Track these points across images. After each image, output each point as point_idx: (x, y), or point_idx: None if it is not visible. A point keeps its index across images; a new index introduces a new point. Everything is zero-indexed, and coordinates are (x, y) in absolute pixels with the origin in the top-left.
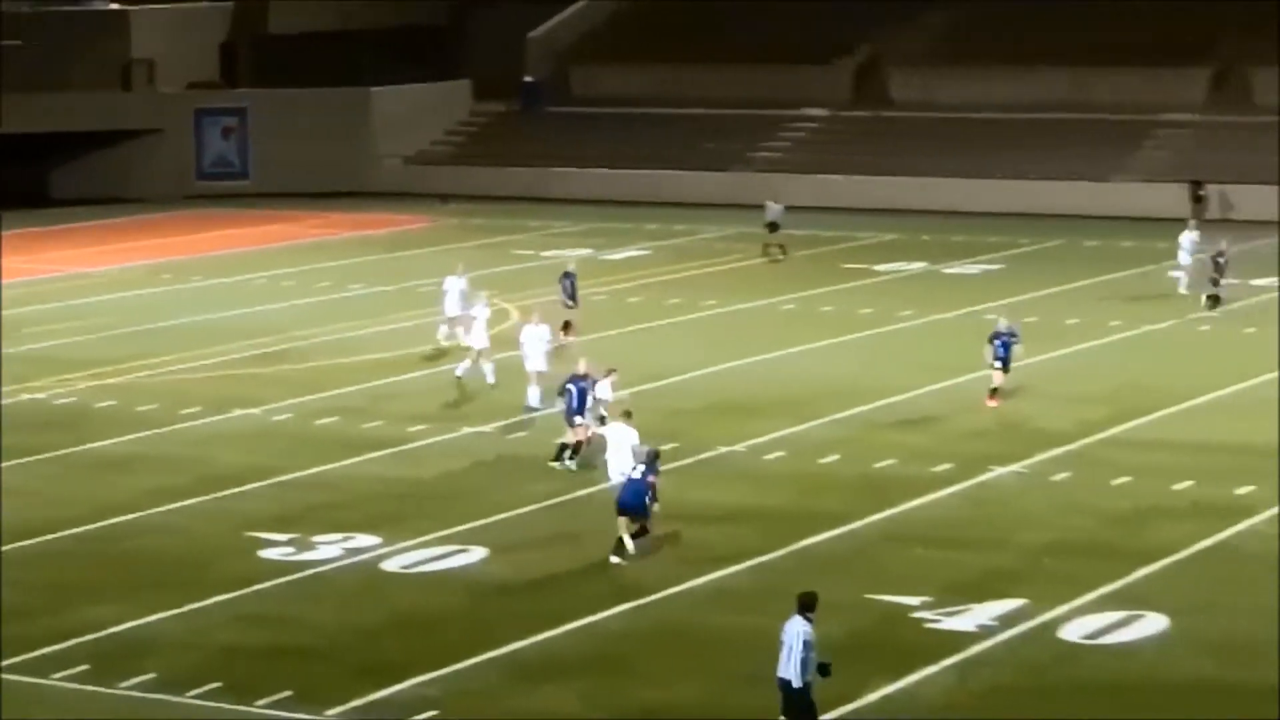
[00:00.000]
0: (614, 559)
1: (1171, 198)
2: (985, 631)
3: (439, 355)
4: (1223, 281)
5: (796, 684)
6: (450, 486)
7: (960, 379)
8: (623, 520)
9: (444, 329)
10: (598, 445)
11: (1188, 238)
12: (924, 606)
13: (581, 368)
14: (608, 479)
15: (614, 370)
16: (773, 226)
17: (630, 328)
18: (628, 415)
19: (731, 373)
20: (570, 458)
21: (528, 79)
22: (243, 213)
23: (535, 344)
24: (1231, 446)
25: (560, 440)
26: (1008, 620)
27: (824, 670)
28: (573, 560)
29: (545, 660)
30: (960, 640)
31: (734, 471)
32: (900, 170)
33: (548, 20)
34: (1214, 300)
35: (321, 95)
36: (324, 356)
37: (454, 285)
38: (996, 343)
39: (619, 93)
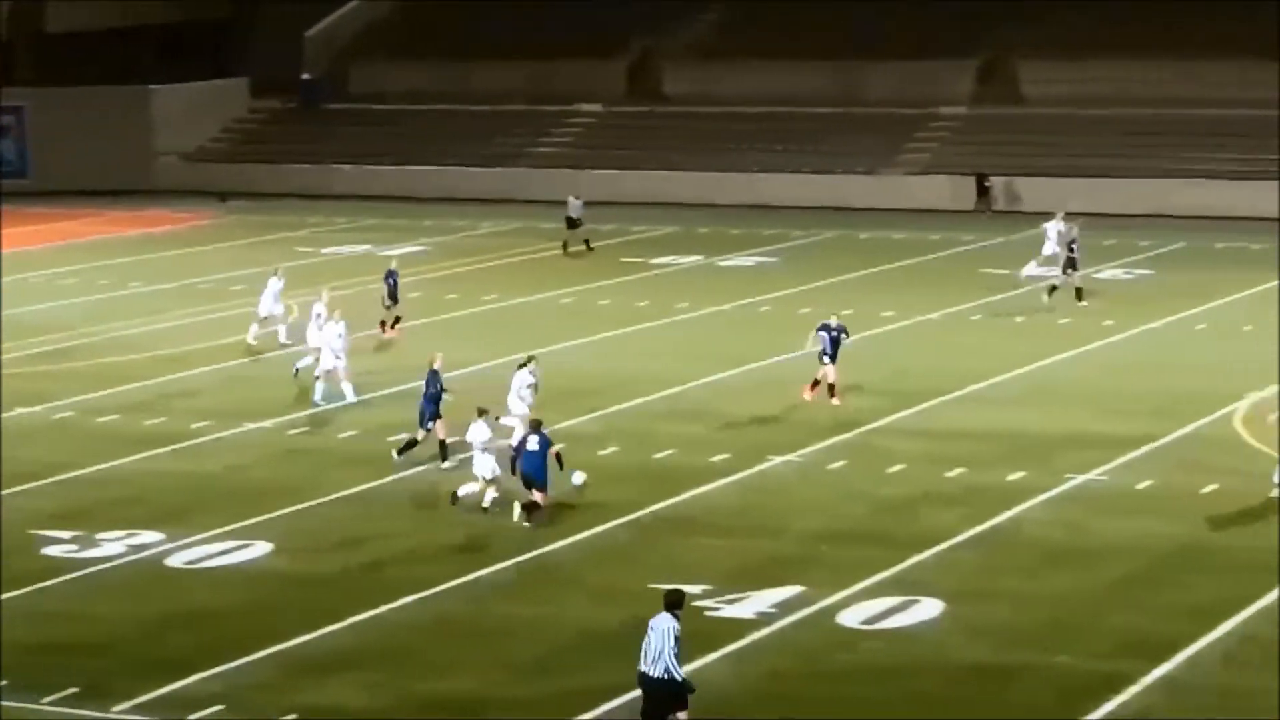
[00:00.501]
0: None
1: (941, 189)
2: (764, 618)
3: (255, 353)
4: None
5: (664, 677)
6: (234, 482)
7: (736, 370)
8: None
9: (255, 328)
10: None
11: (1053, 227)
12: (704, 595)
13: (437, 362)
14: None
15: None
16: (572, 222)
17: (409, 324)
18: (483, 412)
19: (510, 367)
20: (403, 449)
21: (306, 76)
22: (22, 211)
23: (332, 341)
24: (1002, 434)
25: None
26: (786, 607)
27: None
28: (357, 555)
29: (329, 653)
30: (740, 627)
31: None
32: (675, 164)
33: (326, 18)
34: (1053, 289)
35: (100, 93)
36: (106, 354)
37: (273, 285)
38: (824, 335)
39: (397, 89)
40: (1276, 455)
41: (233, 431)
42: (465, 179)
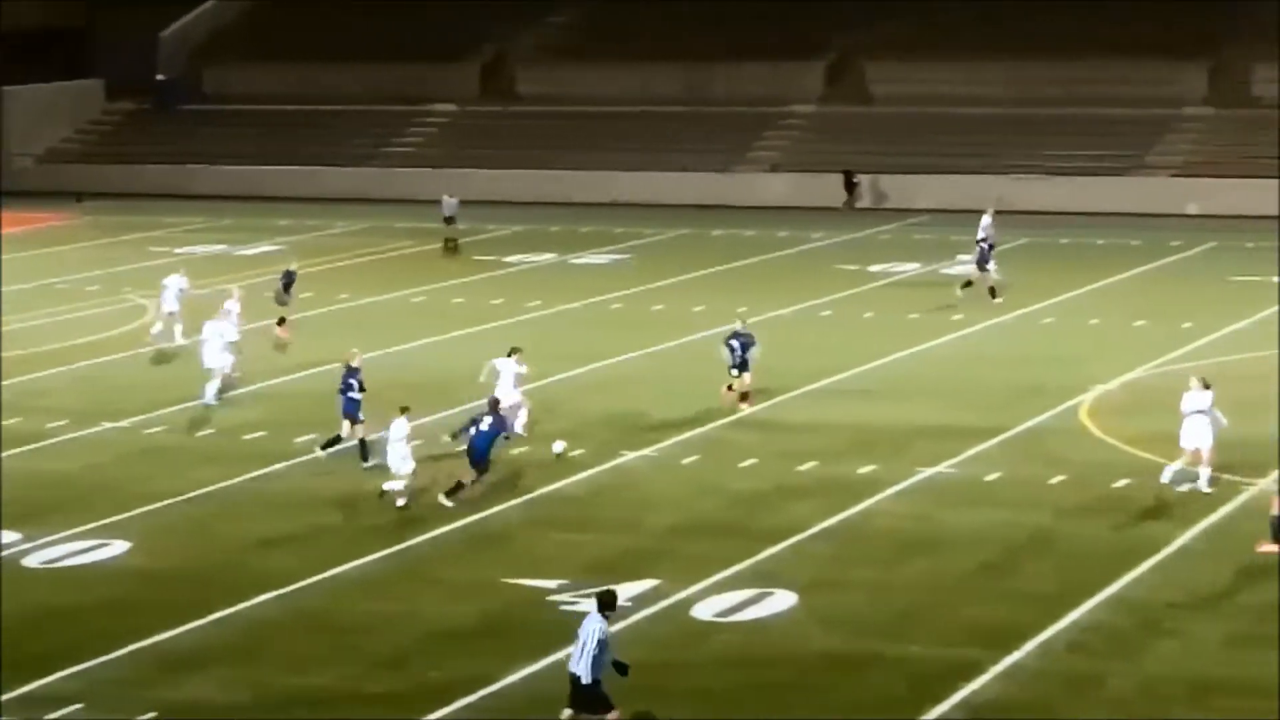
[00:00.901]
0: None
1: (790, 186)
2: (620, 612)
3: (164, 352)
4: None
5: (586, 680)
6: (91, 481)
7: (588, 367)
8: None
9: (159, 325)
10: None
11: (985, 222)
12: (560, 589)
13: (355, 360)
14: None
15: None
16: (449, 220)
17: (264, 322)
18: (405, 410)
19: (372, 363)
20: (327, 446)
21: (161, 77)
22: None
23: (215, 339)
24: (853, 427)
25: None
26: (642, 600)
27: (620, 669)
28: (214, 552)
29: (188, 650)
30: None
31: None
32: (528, 164)
33: (180, 19)
34: (969, 284)
35: None
36: None
37: (174, 283)
38: (734, 344)
39: (252, 90)
40: (1121, 446)
41: (90, 431)
42: (319, 179)
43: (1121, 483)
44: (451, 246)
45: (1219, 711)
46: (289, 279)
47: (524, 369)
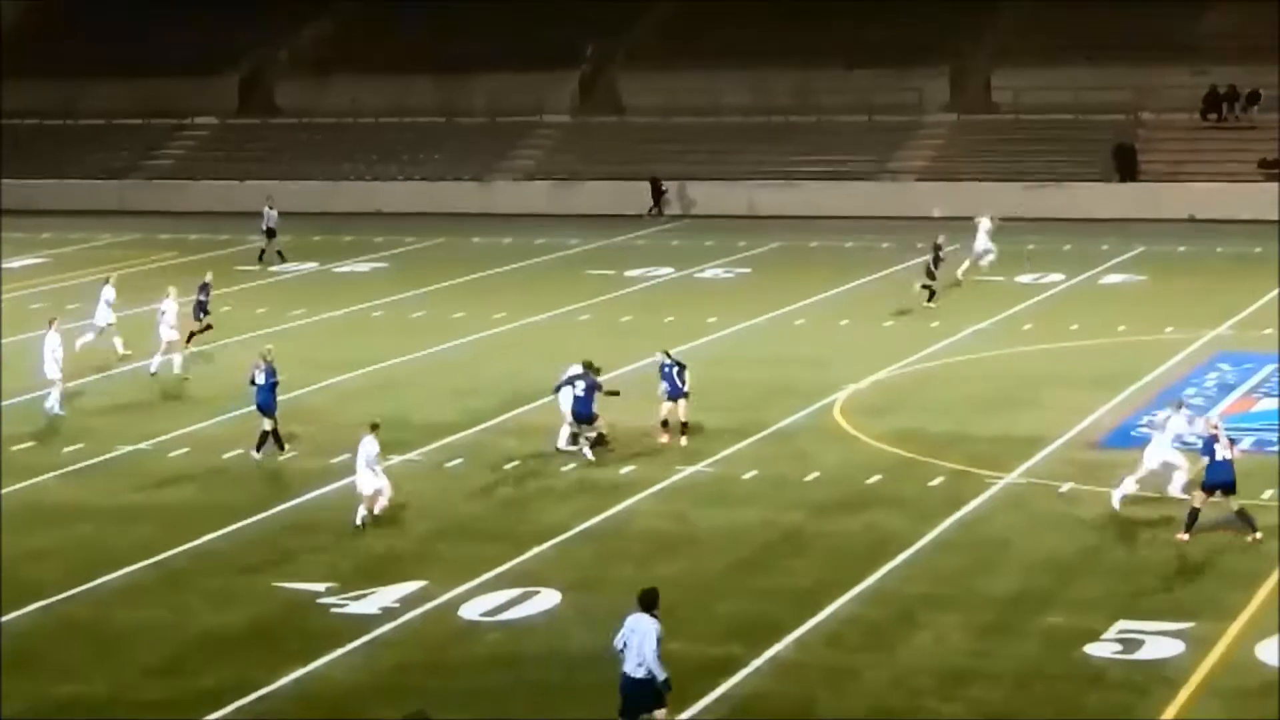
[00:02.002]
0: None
1: (543, 195)
2: (388, 613)
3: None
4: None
5: (646, 677)
6: None
7: (352, 374)
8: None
9: (90, 336)
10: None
11: (982, 226)
12: (329, 592)
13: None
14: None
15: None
16: (270, 233)
17: (34, 333)
18: (374, 427)
19: (132, 373)
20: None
21: None
22: None
23: (53, 350)
24: (611, 428)
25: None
26: (410, 602)
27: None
28: None
29: None
30: (366, 623)
31: (135, 470)
32: (289, 174)
33: None
34: (930, 291)
35: None
36: None
37: (105, 294)
38: (665, 371)
39: (14, 105)
40: (873, 443)
41: None
42: (83, 192)
43: (874, 479)
44: (272, 257)
45: (969, 702)
46: (205, 293)
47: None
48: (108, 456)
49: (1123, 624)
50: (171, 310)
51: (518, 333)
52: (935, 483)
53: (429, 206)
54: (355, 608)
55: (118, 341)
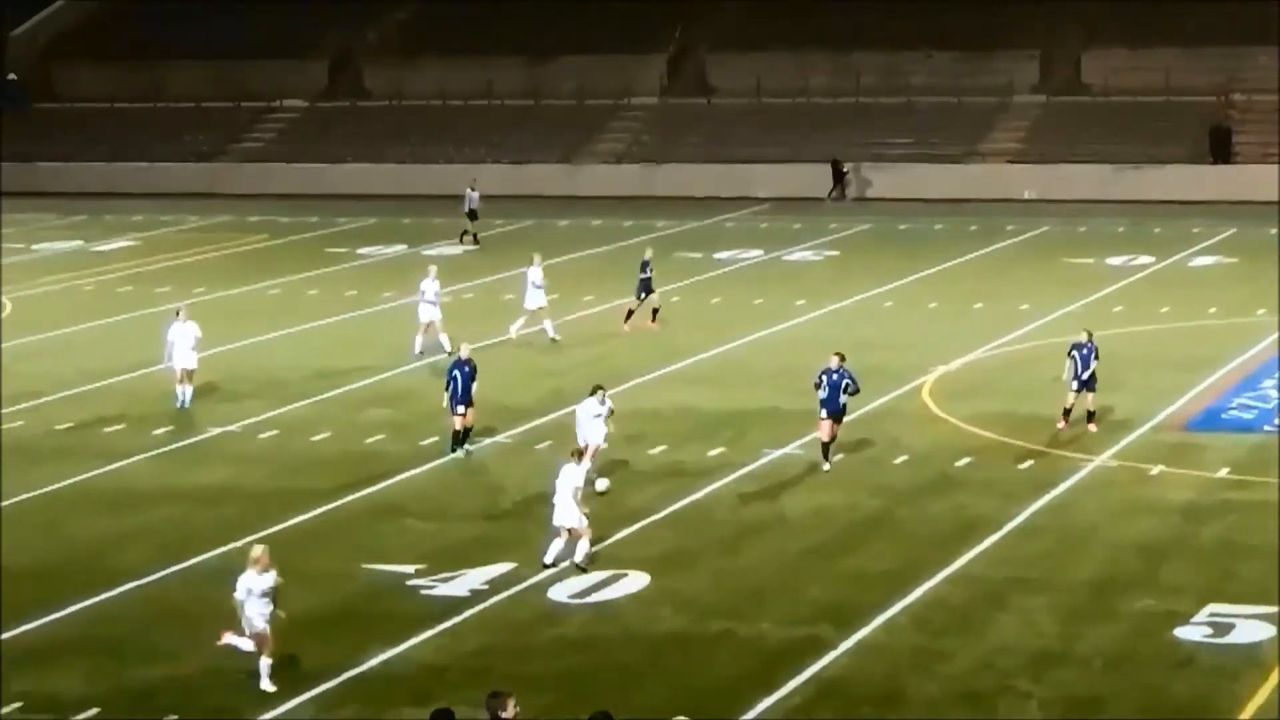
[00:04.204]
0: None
1: (630, 178)
2: (477, 595)
3: None
4: None
5: None
6: None
7: (437, 357)
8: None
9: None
10: None
11: None
12: (418, 574)
13: (464, 353)
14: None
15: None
16: (472, 215)
17: (120, 316)
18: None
19: (223, 356)
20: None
21: (10, 77)
22: None
23: (185, 340)
24: (700, 412)
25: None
26: (498, 584)
27: None
28: (67, 549)
29: (50, 643)
30: (454, 605)
31: (226, 452)
32: (377, 158)
33: (27, 20)
34: None
35: None
36: None
37: (428, 286)
38: (822, 379)
39: (102, 89)
40: (962, 425)
41: None
42: (171, 174)
43: (962, 462)
44: (470, 238)
45: (1056, 685)
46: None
47: (606, 409)
48: (195, 439)
49: (1213, 608)
50: (431, 289)
51: (605, 316)
52: (1023, 466)
53: (516, 189)
54: (444, 589)
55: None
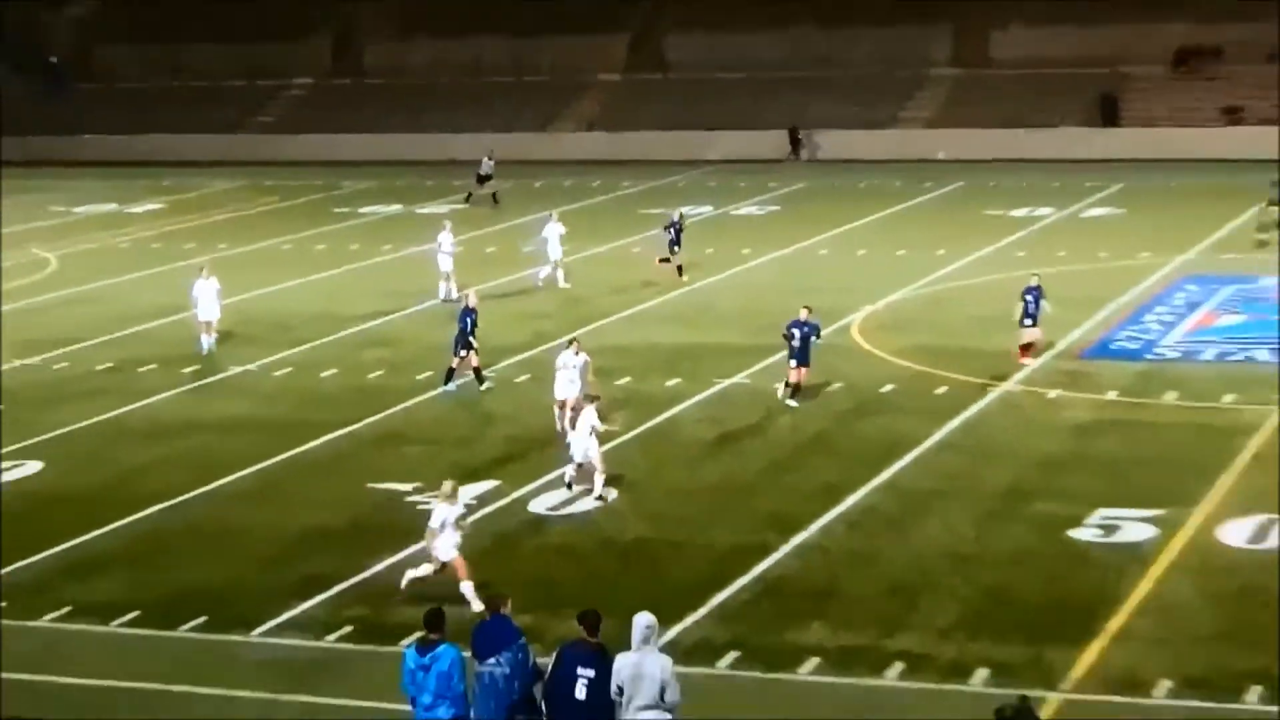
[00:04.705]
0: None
1: (599, 144)
2: (468, 509)
3: None
4: None
5: None
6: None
7: (431, 302)
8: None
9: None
10: None
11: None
12: (415, 491)
13: (472, 300)
14: None
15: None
16: (482, 179)
17: (151, 270)
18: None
19: (241, 304)
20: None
21: (52, 59)
22: None
23: (209, 294)
24: (660, 348)
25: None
26: (486, 498)
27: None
28: (107, 474)
29: (94, 556)
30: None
31: (244, 389)
32: (376, 128)
33: (69, 3)
34: None
35: None
36: None
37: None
38: (794, 332)
39: (131, 69)
40: (887, 357)
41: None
42: (195, 144)
43: (887, 388)
44: (477, 197)
45: (971, 578)
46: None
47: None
48: (219, 376)
49: (1103, 511)
50: (447, 241)
51: (580, 264)
52: (941, 391)
53: (499, 155)
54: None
55: (560, 274)
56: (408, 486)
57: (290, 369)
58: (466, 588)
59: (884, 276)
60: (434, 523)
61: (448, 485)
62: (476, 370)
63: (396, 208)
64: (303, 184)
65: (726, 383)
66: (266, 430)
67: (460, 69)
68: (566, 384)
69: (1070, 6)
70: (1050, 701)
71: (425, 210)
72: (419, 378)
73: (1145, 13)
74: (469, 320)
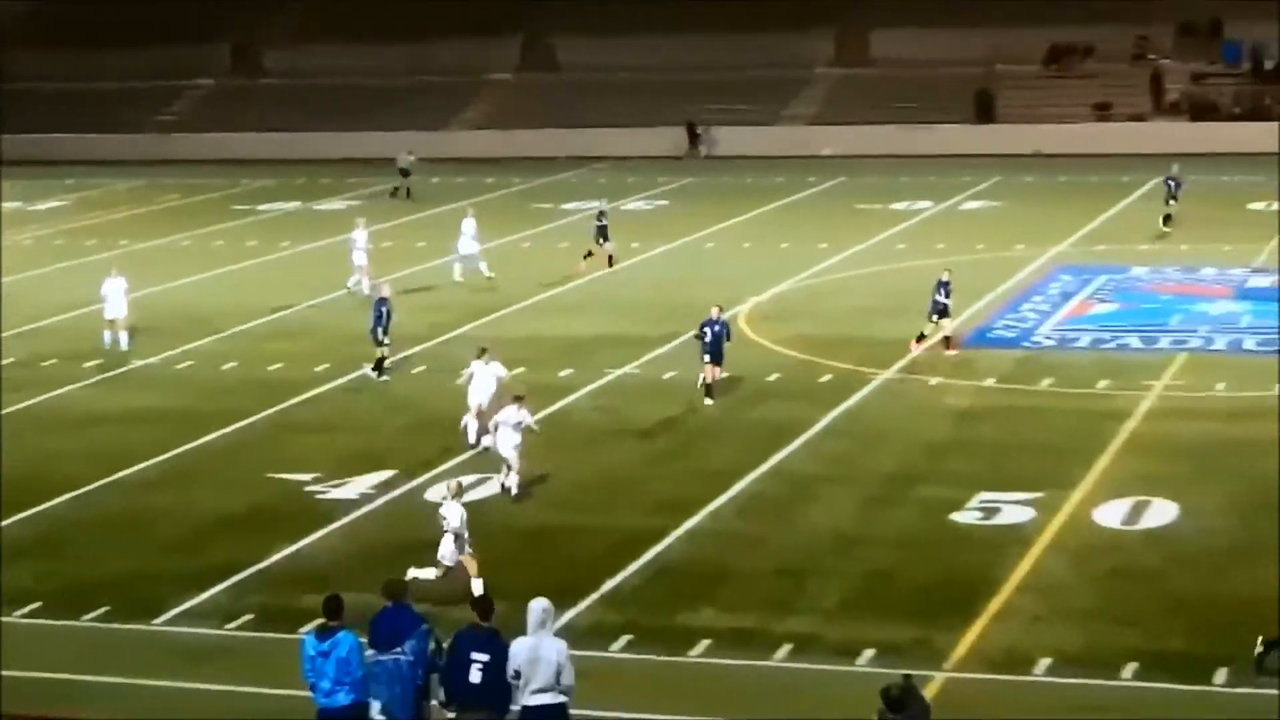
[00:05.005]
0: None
1: (492, 142)
2: (365, 498)
3: None
4: None
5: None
6: None
7: (332, 295)
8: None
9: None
10: None
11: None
12: (314, 481)
13: (385, 291)
14: None
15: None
16: (404, 173)
17: (56, 265)
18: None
19: (143, 299)
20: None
21: None
22: None
23: (117, 293)
24: (552, 339)
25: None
26: (382, 487)
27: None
28: (16, 465)
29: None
30: (345, 507)
31: (148, 381)
32: (276, 127)
33: None
34: None
35: None
36: None
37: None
38: (707, 331)
39: (41, 71)
40: (773, 347)
41: None
42: (100, 144)
43: (773, 377)
44: (403, 194)
45: (859, 561)
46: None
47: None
48: (123, 370)
49: (983, 495)
50: (361, 237)
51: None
52: (825, 379)
53: (396, 153)
54: (336, 494)
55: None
56: (307, 476)
57: (192, 362)
58: (477, 585)
59: (769, 269)
60: (454, 523)
61: (453, 484)
62: (379, 361)
63: (294, 205)
64: (202, 183)
65: (618, 372)
66: (170, 421)
67: (357, 71)
68: (481, 391)
69: (947, 8)
70: (935, 680)
71: (322, 207)
72: (317, 369)
73: (1018, 14)
74: (383, 310)
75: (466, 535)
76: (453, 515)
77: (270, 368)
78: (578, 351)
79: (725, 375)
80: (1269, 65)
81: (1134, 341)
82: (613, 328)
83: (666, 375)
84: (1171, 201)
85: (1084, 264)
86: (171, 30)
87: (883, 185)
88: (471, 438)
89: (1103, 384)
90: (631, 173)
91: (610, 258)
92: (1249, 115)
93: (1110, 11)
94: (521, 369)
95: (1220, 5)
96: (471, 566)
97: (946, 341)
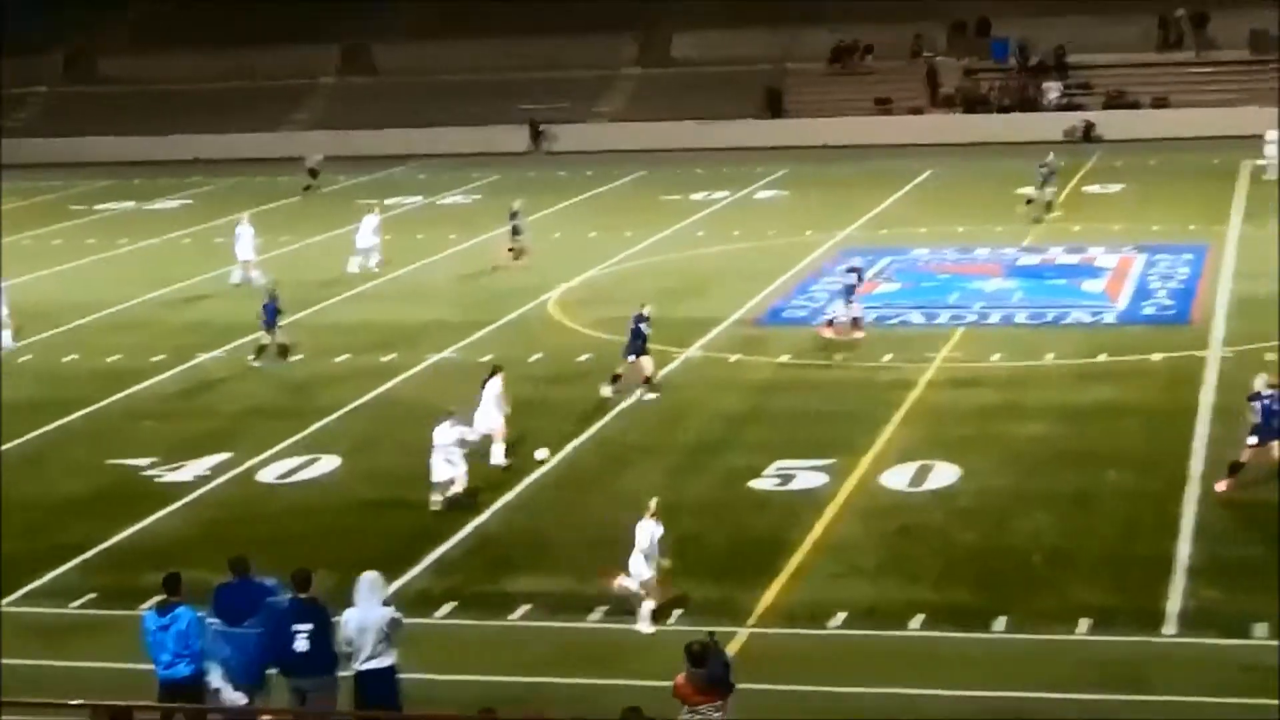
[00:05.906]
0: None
1: (319, 142)
2: (201, 480)
3: None
4: None
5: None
6: None
7: (169, 289)
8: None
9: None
10: None
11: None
12: (152, 466)
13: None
14: None
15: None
16: (313, 173)
17: None
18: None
19: None
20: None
21: None
22: None
23: None
24: (374, 325)
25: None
26: (218, 469)
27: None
28: None
29: None
30: (182, 489)
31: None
32: (112, 131)
33: None
34: None
35: None
36: None
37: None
38: (631, 328)
39: None
40: (582, 330)
41: None
42: None
43: (584, 357)
44: (310, 189)
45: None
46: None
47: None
48: None
49: (780, 463)
50: (246, 233)
51: (300, 252)
52: (633, 359)
53: (229, 154)
54: (172, 477)
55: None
56: (145, 461)
57: (33, 355)
58: (648, 607)
59: (577, 257)
60: (643, 542)
61: (652, 503)
62: (262, 347)
63: (130, 204)
64: (39, 185)
65: (438, 357)
66: (12, 411)
67: (191, 76)
68: (491, 414)
69: (740, 11)
70: (739, 636)
71: (155, 206)
72: (153, 359)
73: (805, 15)
74: (272, 306)
75: (656, 554)
76: (643, 534)
77: (110, 359)
78: (399, 338)
79: (540, 355)
80: (1034, 60)
81: (916, 318)
82: (432, 315)
83: (484, 358)
84: (1047, 188)
85: (869, 246)
86: (10, 41)
87: (683, 177)
88: (499, 459)
89: (887, 357)
90: (448, 170)
91: (514, 251)
92: (1017, 107)
93: (888, 12)
94: (346, 354)
95: (988, 5)
96: (654, 591)
97: (854, 322)
